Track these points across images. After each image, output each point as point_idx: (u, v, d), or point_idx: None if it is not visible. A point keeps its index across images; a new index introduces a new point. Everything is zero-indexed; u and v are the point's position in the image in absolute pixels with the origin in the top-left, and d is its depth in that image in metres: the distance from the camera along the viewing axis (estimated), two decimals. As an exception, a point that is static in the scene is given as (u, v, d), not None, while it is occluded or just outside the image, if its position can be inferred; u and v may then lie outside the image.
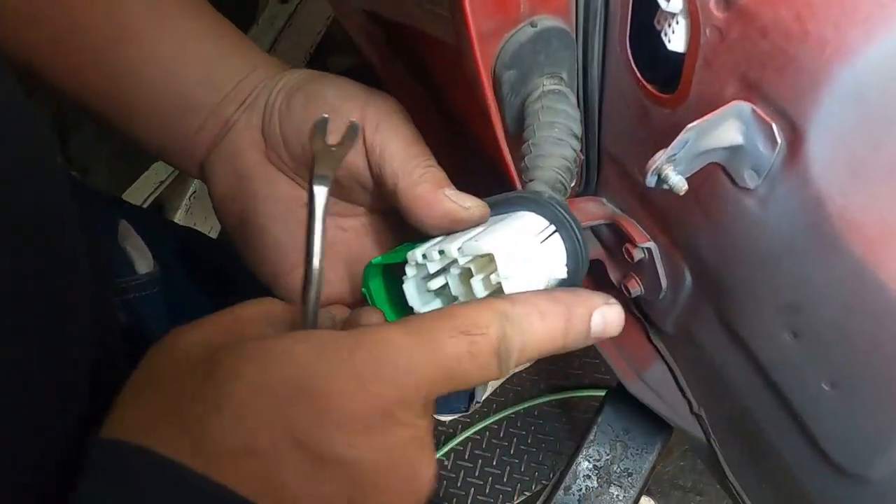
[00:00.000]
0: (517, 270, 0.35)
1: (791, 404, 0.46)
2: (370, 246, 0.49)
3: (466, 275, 0.37)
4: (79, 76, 0.45)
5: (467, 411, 1.62)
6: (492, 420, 1.71)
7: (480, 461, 1.67)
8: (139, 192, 1.45)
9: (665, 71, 0.37)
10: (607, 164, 0.50)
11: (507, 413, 1.72)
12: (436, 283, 0.39)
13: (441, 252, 0.37)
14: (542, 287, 0.38)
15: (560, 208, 0.38)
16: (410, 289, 0.40)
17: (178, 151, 0.49)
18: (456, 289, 0.38)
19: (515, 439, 1.69)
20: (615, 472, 0.88)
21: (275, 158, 0.46)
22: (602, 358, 0.75)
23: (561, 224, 0.38)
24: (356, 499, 0.28)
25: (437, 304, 0.40)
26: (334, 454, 0.28)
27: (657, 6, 0.34)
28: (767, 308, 0.41)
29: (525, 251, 0.36)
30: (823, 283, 0.34)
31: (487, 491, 1.64)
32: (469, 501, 1.62)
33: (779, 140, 0.31)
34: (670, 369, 0.68)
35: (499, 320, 0.31)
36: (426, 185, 0.40)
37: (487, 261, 0.36)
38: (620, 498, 0.87)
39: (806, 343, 0.40)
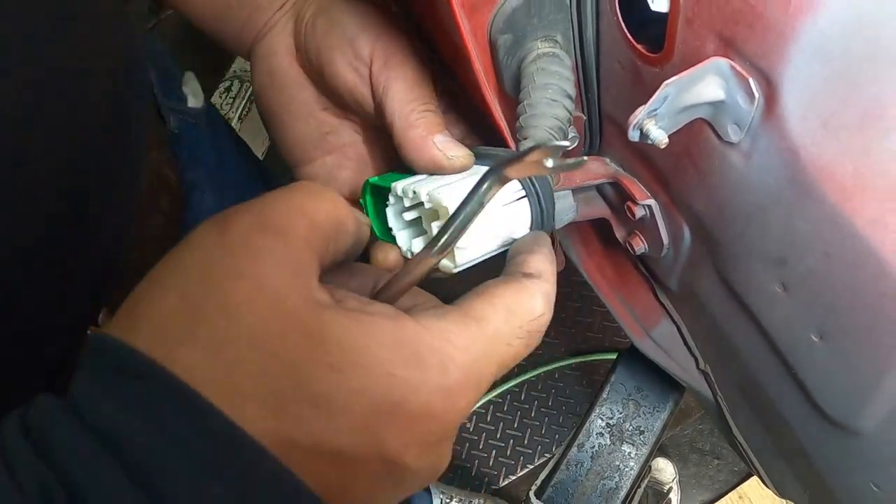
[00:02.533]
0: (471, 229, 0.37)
1: (785, 357, 0.48)
2: (379, 154, 0.53)
3: (433, 215, 0.40)
4: None
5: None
6: (513, 383, 1.73)
7: (502, 424, 1.70)
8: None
9: (653, 31, 0.38)
10: (607, 124, 0.51)
11: (527, 376, 1.74)
12: (410, 215, 0.43)
13: (414, 192, 0.41)
14: (496, 244, 0.41)
15: (534, 179, 0.40)
16: (391, 214, 0.45)
17: (228, 41, 0.54)
18: (426, 224, 0.42)
19: (536, 402, 1.71)
20: (627, 430, 0.90)
21: (303, 64, 0.50)
22: (626, 331, 0.76)
23: (529, 191, 0.40)
24: (401, 481, 0.29)
25: (410, 231, 0.44)
26: (404, 463, 0.27)
27: (642, -33, 0.35)
28: (758, 261, 0.42)
29: (484, 213, 0.38)
30: (804, 234, 0.35)
31: (509, 453, 1.67)
32: (491, 463, 1.66)
33: (756, 94, 0.32)
34: (677, 326, 0.69)
35: (548, 304, 0.33)
36: (419, 130, 0.43)
37: (445, 208, 0.38)
38: (632, 455, 0.89)
39: (794, 295, 0.41)
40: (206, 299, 0.25)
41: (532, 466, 1.64)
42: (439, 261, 0.32)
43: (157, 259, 0.28)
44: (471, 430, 1.70)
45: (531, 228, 0.42)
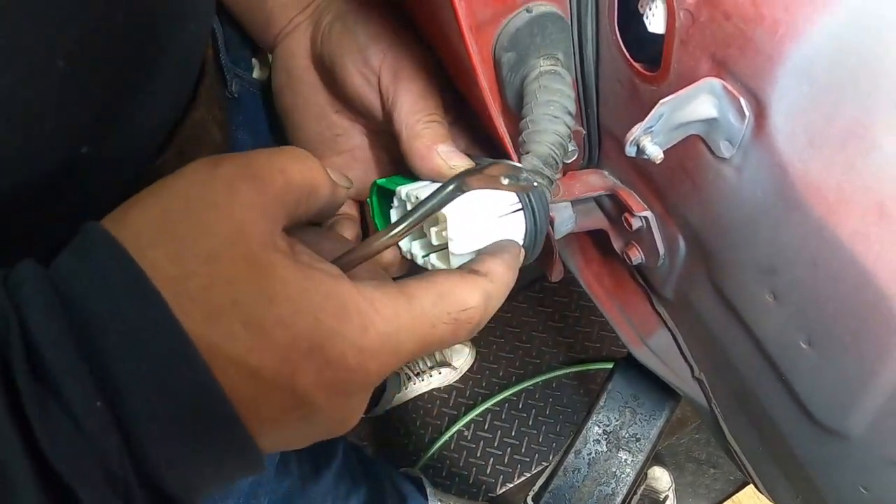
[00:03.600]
0: (463, 234, 0.40)
1: (776, 364, 0.49)
2: (385, 157, 0.56)
3: (432, 220, 0.42)
4: None
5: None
6: (511, 392, 1.75)
7: (500, 432, 1.71)
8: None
9: (650, 51, 0.40)
10: (606, 138, 0.53)
11: (525, 385, 1.75)
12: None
13: (416, 198, 0.43)
14: None
15: (531, 193, 0.42)
16: (394, 215, 0.48)
17: (255, 34, 0.57)
18: (425, 228, 0.44)
19: (534, 410, 1.73)
20: (624, 437, 0.92)
21: (318, 67, 0.53)
22: (623, 340, 0.78)
23: (525, 205, 0.42)
24: (306, 429, 0.32)
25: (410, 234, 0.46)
26: (312, 401, 0.30)
27: (640, -9, 0.37)
28: (749, 270, 0.44)
29: (478, 221, 0.41)
30: (792, 245, 0.37)
31: (506, 461, 1.68)
32: (488, 471, 1.67)
33: (747, 113, 0.34)
34: (672, 335, 0.71)
35: (484, 301, 0.35)
36: (423, 140, 0.45)
37: (444, 218, 0.40)
38: (628, 462, 0.91)
39: (783, 303, 0.43)
40: (182, 219, 0.29)
41: (529, 474, 1.66)
42: (392, 244, 0.36)
43: None
44: (469, 437, 1.71)
45: (525, 239, 0.44)
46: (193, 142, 0.50)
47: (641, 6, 0.38)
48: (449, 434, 1.72)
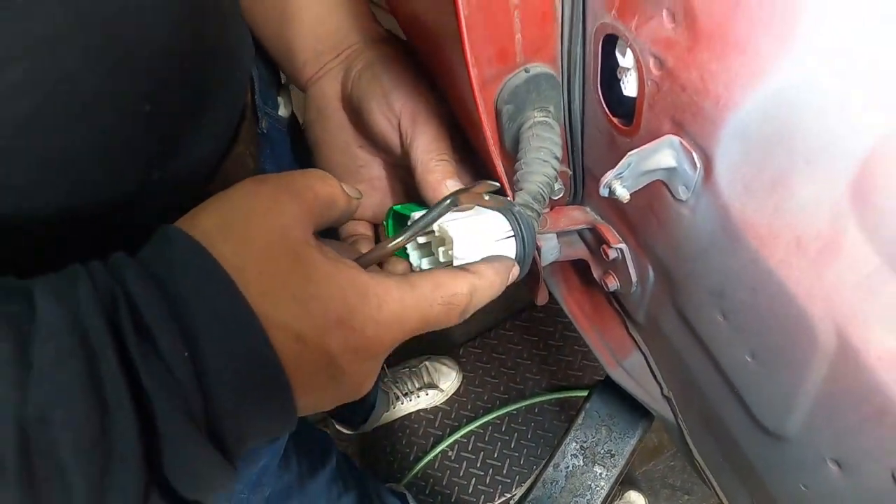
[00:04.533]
0: (467, 254, 0.48)
1: (728, 377, 0.57)
2: (400, 187, 0.64)
3: (439, 241, 0.50)
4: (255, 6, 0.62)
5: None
6: (495, 415, 1.81)
7: (482, 453, 1.77)
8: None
9: (626, 109, 0.49)
10: (589, 179, 0.62)
11: (509, 409, 1.82)
12: (422, 240, 0.52)
13: None
14: None
15: (520, 221, 0.50)
16: None
17: (288, 73, 0.65)
18: (434, 248, 0.52)
19: (516, 434, 1.79)
20: (599, 452, 0.99)
21: (346, 107, 0.61)
22: (601, 361, 0.85)
23: (517, 233, 0.50)
24: (332, 388, 0.40)
25: (420, 252, 0.54)
26: (339, 363, 0.39)
27: (618, 62, 0.46)
28: (703, 294, 0.52)
29: (479, 244, 0.49)
30: (735, 271, 0.45)
31: (488, 481, 1.74)
32: (470, 490, 1.73)
33: (698, 164, 0.42)
34: (644, 356, 0.79)
35: (469, 291, 0.44)
36: (436, 175, 0.53)
37: (451, 238, 0.48)
38: (603, 476, 0.98)
39: (731, 322, 0.51)
40: (239, 222, 0.38)
41: (509, 495, 1.72)
42: (394, 250, 0.46)
43: None
44: (452, 457, 1.78)
45: (515, 260, 0.52)
46: (234, 173, 0.58)
47: (619, 73, 0.46)
48: (434, 453, 1.78)
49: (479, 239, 0.48)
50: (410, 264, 0.54)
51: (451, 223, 0.49)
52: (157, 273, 0.35)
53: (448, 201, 0.46)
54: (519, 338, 1.93)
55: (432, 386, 1.84)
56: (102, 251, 0.37)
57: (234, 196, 0.40)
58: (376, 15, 0.64)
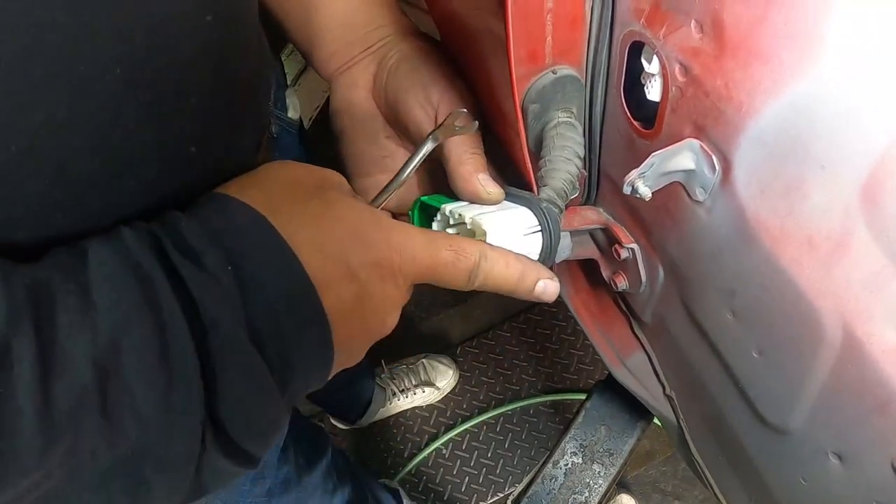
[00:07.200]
0: (496, 244, 0.50)
1: (734, 374, 0.59)
2: (423, 179, 0.66)
3: (469, 234, 0.53)
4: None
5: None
6: (490, 415, 1.83)
7: (476, 452, 1.79)
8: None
9: (647, 113, 0.51)
10: (604, 180, 0.64)
11: (504, 410, 1.84)
12: (451, 231, 0.55)
13: (459, 215, 0.54)
14: None
15: (548, 217, 0.53)
16: (436, 227, 0.58)
17: (316, 64, 0.66)
18: None
19: (510, 434, 1.81)
20: (598, 451, 1.01)
21: (377, 98, 0.63)
22: (596, 364, 0.87)
23: (544, 228, 0.53)
24: (359, 309, 0.44)
25: None
26: (360, 278, 0.43)
27: (643, 67, 0.48)
28: (714, 293, 0.54)
29: (509, 237, 0.51)
30: (748, 271, 0.48)
31: (480, 480, 1.75)
32: (463, 489, 1.74)
33: (717, 167, 0.45)
34: (648, 356, 0.80)
35: (479, 253, 0.47)
36: (467, 167, 0.55)
37: (483, 231, 0.51)
38: (601, 474, 1.00)
39: (740, 319, 0.53)
40: (262, 175, 0.45)
41: (502, 494, 1.74)
42: (397, 188, 0.54)
43: None
44: (446, 455, 1.79)
45: (540, 254, 0.54)
46: None
47: (643, 78, 0.49)
48: (428, 451, 1.80)
49: (510, 231, 0.51)
50: None
51: (483, 216, 0.51)
52: (207, 221, 0.40)
53: (430, 137, 0.53)
54: (516, 339, 1.96)
55: (429, 384, 1.86)
56: None
57: (271, 167, 0.46)
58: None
